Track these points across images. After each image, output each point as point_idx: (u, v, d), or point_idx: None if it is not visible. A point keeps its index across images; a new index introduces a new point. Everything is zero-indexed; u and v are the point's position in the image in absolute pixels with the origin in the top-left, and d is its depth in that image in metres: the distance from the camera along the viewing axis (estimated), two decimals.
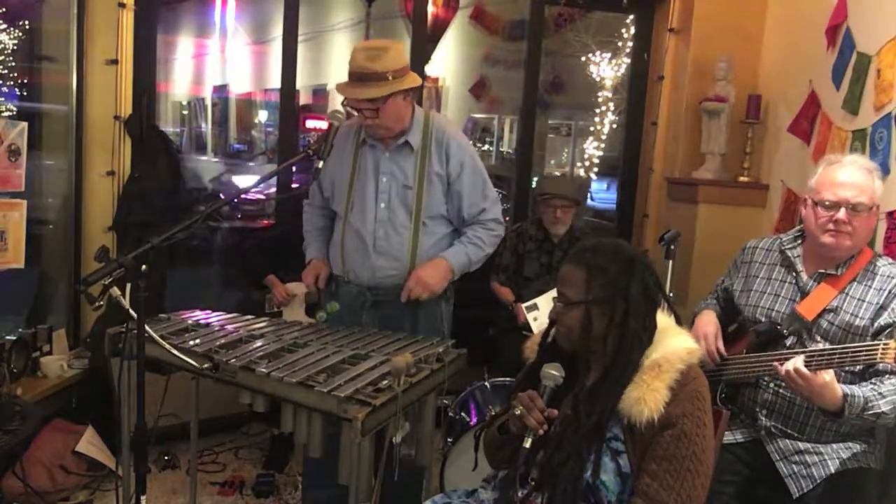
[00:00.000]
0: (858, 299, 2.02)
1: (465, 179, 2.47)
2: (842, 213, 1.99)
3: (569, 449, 1.59)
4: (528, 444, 1.58)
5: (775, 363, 1.93)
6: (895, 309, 1.97)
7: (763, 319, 2.17)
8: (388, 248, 2.45)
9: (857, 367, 1.95)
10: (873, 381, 1.93)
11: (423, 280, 2.41)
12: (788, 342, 2.09)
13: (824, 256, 2.09)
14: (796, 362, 1.84)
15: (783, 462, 2.06)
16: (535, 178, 4.53)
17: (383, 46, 2.31)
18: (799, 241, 2.20)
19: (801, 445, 2.06)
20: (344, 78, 2.37)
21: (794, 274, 2.16)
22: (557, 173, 5.97)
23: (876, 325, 1.98)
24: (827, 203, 2.02)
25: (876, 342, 1.84)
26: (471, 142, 2.64)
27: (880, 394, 1.86)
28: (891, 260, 2.11)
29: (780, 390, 2.09)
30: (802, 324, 2.06)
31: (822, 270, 2.09)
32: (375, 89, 2.27)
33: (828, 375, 1.82)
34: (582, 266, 1.64)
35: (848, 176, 2.03)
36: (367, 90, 2.28)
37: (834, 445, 2.06)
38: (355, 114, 2.41)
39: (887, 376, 1.91)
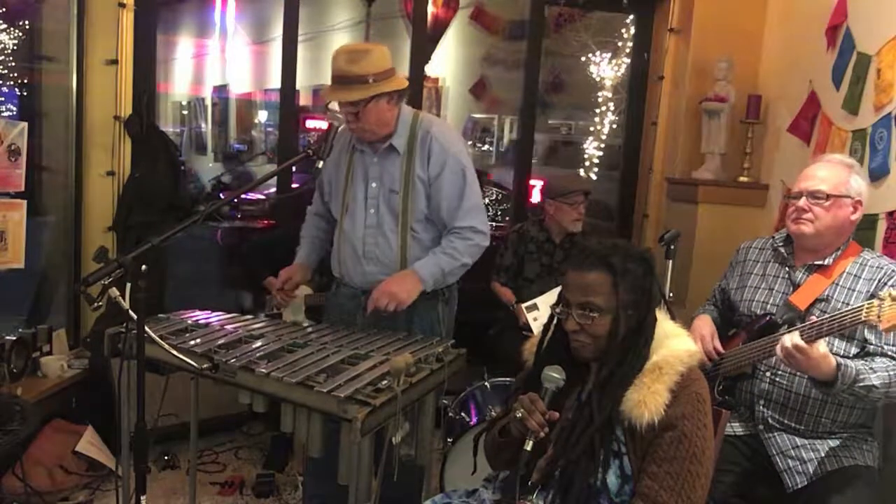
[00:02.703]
0: (849, 289, 2.09)
1: (443, 182, 2.41)
2: (801, 201, 2.12)
3: (581, 447, 1.59)
4: (529, 446, 1.58)
5: (777, 346, 1.95)
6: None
7: (758, 311, 2.23)
8: (377, 253, 2.44)
9: (854, 348, 2.01)
10: (864, 360, 1.98)
11: (389, 291, 2.33)
12: (782, 331, 2.10)
13: (803, 248, 2.19)
14: (794, 338, 1.88)
15: (780, 457, 2.10)
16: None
17: (364, 49, 2.29)
18: (791, 240, 2.27)
19: (799, 441, 2.09)
20: None
21: (786, 269, 2.23)
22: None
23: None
24: (793, 194, 2.17)
25: (860, 304, 1.90)
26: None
27: (871, 368, 1.92)
28: (878, 253, 2.20)
29: (777, 379, 2.13)
30: (796, 313, 2.12)
31: (811, 262, 2.17)
32: (355, 92, 2.26)
33: (822, 347, 1.87)
34: (606, 271, 1.63)
35: (816, 169, 2.16)
36: (347, 93, 2.27)
37: (831, 442, 2.08)
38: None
39: (878, 358, 1.97)
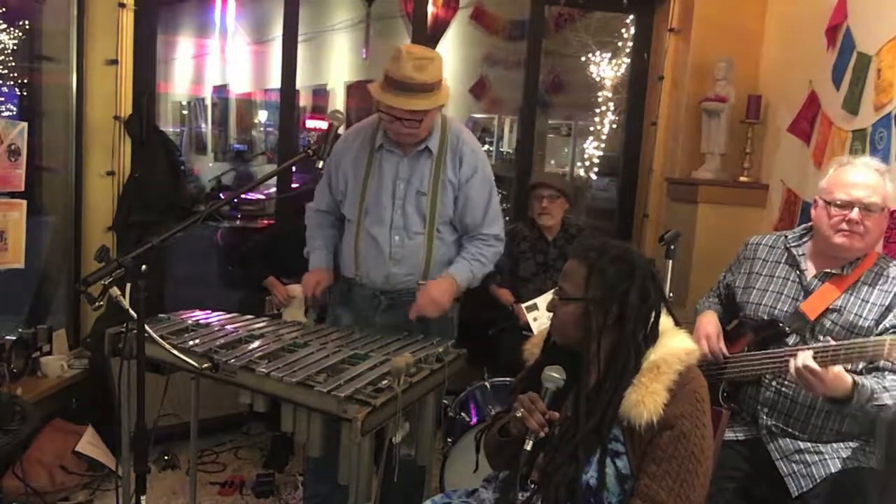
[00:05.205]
0: (863, 300, 2.02)
1: (473, 186, 2.45)
2: (855, 213, 1.98)
3: (565, 452, 1.59)
4: (528, 446, 1.58)
5: (790, 358, 1.91)
6: None
7: (765, 317, 2.16)
8: (404, 255, 2.43)
9: (862, 363, 1.95)
10: (874, 374, 1.94)
11: (434, 299, 2.37)
12: (790, 340, 2.08)
13: (832, 257, 2.08)
14: (806, 359, 1.84)
15: (783, 461, 2.07)
16: None
17: (430, 56, 2.25)
18: (804, 240, 2.19)
19: (802, 444, 2.07)
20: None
21: (798, 272, 2.14)
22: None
23: (881, 326, 1.98)
24: (839, 202, 2.00)
25: (883, 337, 1.85)
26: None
27: (884, 387, 1.88)
28: (895, 261, 2.10)
29: (783, 389, 2.09)
30: (805, 322, 2.06)
31: (828, 270, 2.08)
32: (426, 101, 2.23)
33: (836, 368, 1.83)
34: (584, 264, 1.66)
35: (860, 176, 2.01)
36: (416, 101, 2.23)
37: (834, 445, 2.06)
38: (382, 118, 2.34)
39: (888, 373, 1.93)
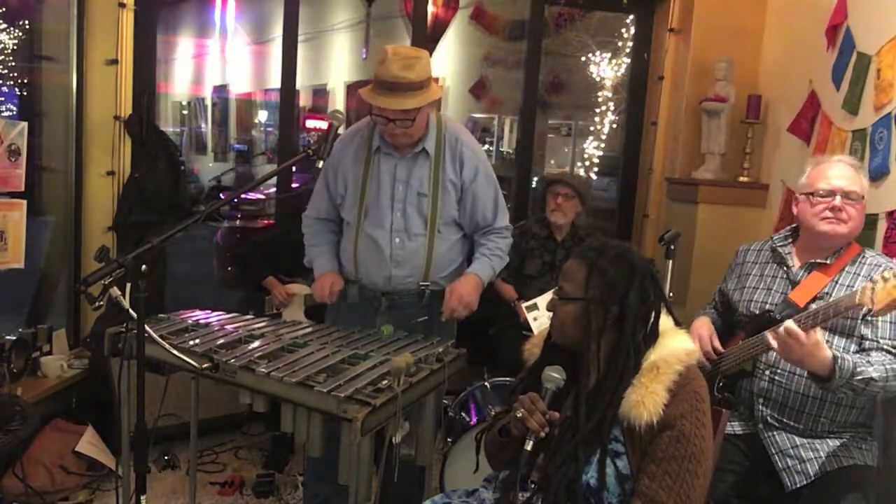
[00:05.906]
0: (848, 286, 2.09)
1: (479, 185, 2.48)
2: (838, 200, 2.10)
3: (565, 452, 1.59)
4: (529, 446, 1.58)
5: (768, 333, 1.96)
6: None
7: (756, 312, 2.23)
8: (405, 257, 2.43)
9: (842, 317, 1.98)
10: (861, 355, 1.98)
11: (465, 300, 2.43)
12: None
13: (818, 248, 2.17)
14: (786, 324, 1.89)
15: (779, 455, 2.10)
16: (535, 179, 4.53)
17: (416, 55, 2.26)
18: (790, 240, 2.28)
19: (798, 440, 2.10)
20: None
21: (785, 268, 2.24)
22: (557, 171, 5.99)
23: (864, 309, 2.00)
24: (822, 192, 2.13)
25: (854, 289, 1.91)
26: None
27: (868, 361, 1.93)
28: (878, 252, 2.21)
29: (776, 377, 2.13)
30: (795, 310, 2.11)
31: (813, 260, 2.17)
32: (413, 99, 2.23)
33: (819, 335, 1.87)
34: (584, 264, 1.66)
35: (838, 169, 2.16)
36: (406, 100, 2.22)
37: (830, 442, 2.08)
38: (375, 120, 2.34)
39: (874, 352, 1.98)
